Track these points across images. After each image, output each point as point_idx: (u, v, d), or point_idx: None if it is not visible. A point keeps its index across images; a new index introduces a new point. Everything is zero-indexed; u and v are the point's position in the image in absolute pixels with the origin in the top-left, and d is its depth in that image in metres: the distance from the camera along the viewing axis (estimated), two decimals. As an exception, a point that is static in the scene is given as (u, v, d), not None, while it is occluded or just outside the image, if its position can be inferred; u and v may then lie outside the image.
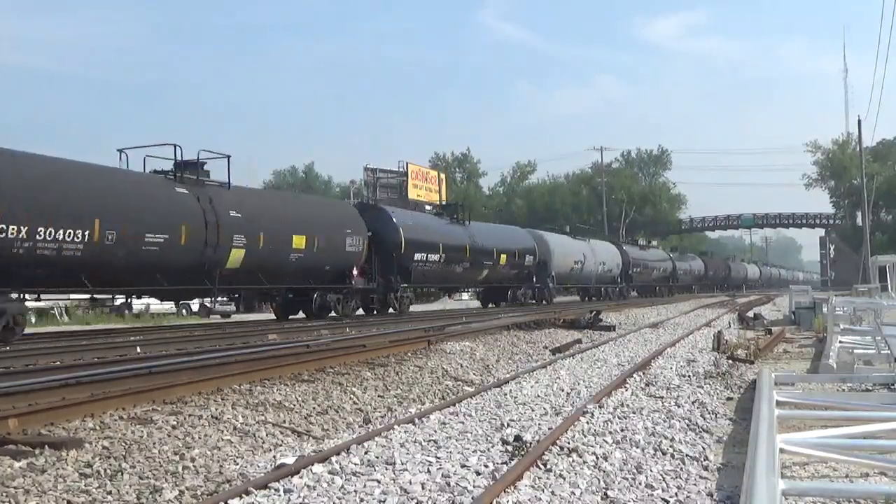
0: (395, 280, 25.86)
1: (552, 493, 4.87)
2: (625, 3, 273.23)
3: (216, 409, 7.59)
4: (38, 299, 23.06)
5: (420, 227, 28.56)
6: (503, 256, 33.25)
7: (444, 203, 38.62)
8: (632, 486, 5.07)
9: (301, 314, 23.29)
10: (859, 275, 45.36)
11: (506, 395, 9.07)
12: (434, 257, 28.09)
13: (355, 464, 5.58)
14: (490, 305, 35.46)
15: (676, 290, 61.54)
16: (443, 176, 54.67)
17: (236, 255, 19.29)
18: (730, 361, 12.04)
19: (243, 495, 4.84)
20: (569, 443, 6.15)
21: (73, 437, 6.23)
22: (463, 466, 5.52)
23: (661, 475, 5.30)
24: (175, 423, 6.99)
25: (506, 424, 7.18)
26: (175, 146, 19.15)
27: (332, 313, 23.06)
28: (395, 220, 26.73)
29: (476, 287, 37.12)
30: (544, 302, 37.21)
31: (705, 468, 5.54)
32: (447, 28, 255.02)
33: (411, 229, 27.06)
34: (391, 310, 26.16)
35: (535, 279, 36.96)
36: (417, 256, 27.00)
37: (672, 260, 63.29)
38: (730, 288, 73.29)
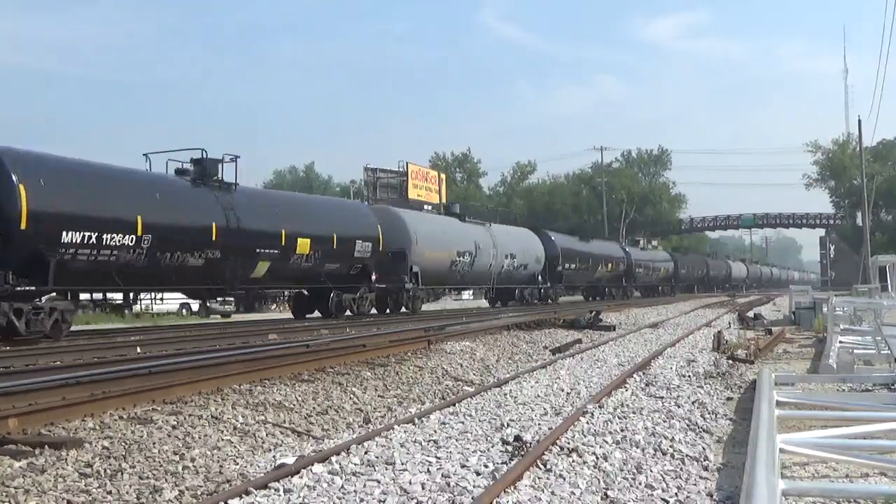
0: (5, 280, 14.39)
1: (552, 493, 4.86)
2: (624, 3, 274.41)
3: (216, 409, 7.59)
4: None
5: (80, 187, 16.15)
6: (303, 241, 21.63)
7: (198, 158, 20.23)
8: (632, 486, 5.07)
9: None
10: (859, 275, 45.33)
11: (506, 395, 9.07)
12: (124, 240, 16.33)
13: (355, 464, 5.59)
14: (315, 314, 24.23)
15: (637, 292, 53.05)
16: (443, 176, 54.47)
17: None
18: (730, 361, 12.05)
19: (243, 495, 4.84)
20: (569, 443, 6.15)
21: (73, 437, 6.24)
22: (463, 466, 5.52)
23: (661, 475, 5.30)
24: (175, 423, 6.99)
25: (506, 424, 7.17)
26: None
27: None
28: (13, 175, 14.46)
29: (239, 288, 23.26)
30: (404, 309, 26.91)
31: (705, 468, 5.55)
32: (447, 28, 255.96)
33: (52, 192, 15.17)
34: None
35: (372, 277, 24.79)
36: (69, 237, 15.26)
37: (627, 255, 51.86)
38: (709, 289, 68.53)
